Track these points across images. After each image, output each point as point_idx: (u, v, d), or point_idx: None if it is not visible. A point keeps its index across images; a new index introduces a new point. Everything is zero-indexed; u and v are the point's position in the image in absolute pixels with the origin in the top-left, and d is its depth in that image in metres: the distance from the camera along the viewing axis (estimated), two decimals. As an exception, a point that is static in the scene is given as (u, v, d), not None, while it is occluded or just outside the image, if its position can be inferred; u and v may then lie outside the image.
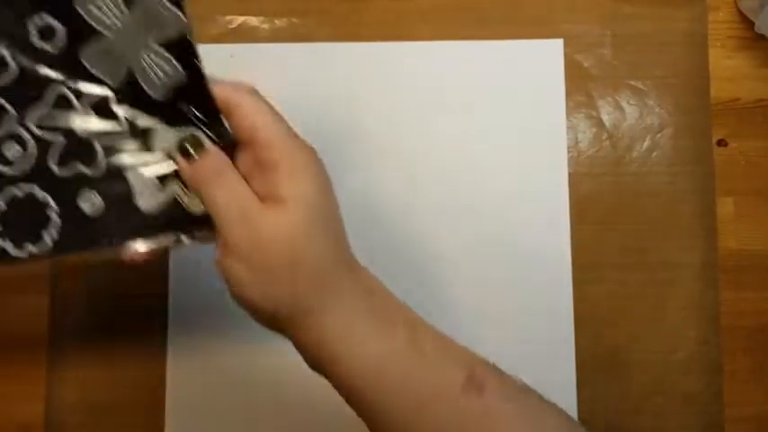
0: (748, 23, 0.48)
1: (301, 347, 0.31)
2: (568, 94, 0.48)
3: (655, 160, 0.48)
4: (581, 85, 0.48)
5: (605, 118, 0.48)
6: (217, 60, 0.44)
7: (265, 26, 0.49)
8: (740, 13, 0.48)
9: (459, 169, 0.47)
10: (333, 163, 0.33)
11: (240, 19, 0.49)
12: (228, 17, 0.49)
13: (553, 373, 0.46)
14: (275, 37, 0.49)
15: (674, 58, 0.48)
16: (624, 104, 0.48)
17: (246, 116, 0.31)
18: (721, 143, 0.48)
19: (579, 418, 0.46)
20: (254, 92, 0.32)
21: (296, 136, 0.31)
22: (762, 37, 0.48)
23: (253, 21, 0.49)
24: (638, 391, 0.46)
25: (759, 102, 0.48)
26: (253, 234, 0.29)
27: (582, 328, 0.46)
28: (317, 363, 0.31)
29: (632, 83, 0.48)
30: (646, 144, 0.48)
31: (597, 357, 0.46)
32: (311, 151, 0.31)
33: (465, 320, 0.46)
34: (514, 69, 0.48)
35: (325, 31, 0.49)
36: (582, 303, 0.46)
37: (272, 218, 0.29)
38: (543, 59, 0.48)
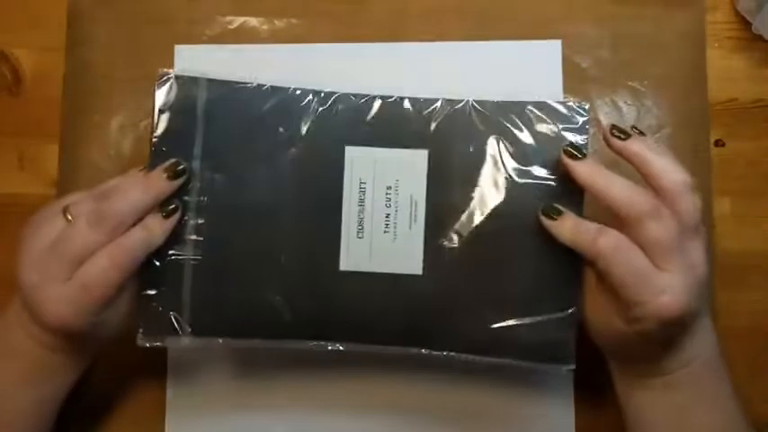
0: (746, 24, 0.48)
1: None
2: (566, 94, 0.48)
3: (652, 160, 0.48)
4: (579, 86, 0.48)
5: (603, 118, 0.48)
6: (217, 60, 0.45)
7: (265, 27, 0.50)
8: (738, 13, 0.49)
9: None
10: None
11: (240, 19, 0.50)
12: (228, 17, 0.50)
13: (551, 376, 0.46)
14: (275, 37, 0.49)
15: (671, 59, 0.48)
16: (622, 105, 0.48)
17: None
18: (719, 143, 0.48)
19: (579, 417, 0.46)
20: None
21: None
22: (759, 37, 0.48)
23: (252, 21, 0.50)
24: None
25: (757, 102, 0.48)
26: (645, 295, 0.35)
27: (580, 328, 0.46)
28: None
29: (630, 83, 0.48)
30: (644, 144, 0.48)
31: (595, 357, 0.46)
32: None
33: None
34: (513, 70, 0.49)
35: (325, 31, 0.49)
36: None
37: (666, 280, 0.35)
38: (542, 60, 0.49)
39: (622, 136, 0.37)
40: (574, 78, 0.48)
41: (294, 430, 0.47)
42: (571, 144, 0.38)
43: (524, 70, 0.49)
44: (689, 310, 0.35)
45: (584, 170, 0.37)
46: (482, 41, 0.49)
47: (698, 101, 0.48)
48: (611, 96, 0.48)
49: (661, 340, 0.37)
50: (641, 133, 0.38)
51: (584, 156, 0.37)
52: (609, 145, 0.38)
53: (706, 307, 0.38)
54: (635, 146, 0.37)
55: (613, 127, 0.37)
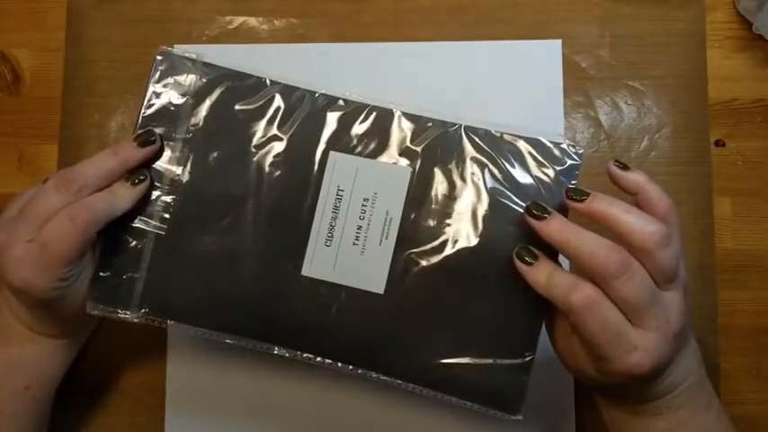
0: (746, 24, 0.48)
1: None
2: (566, 94, 0.48)
3: (652, 160, 0.48)
4: (579, 86, 0.48)
5: (603, 118, 0.48)
6: (216, 61, 0.44)
7: (265, 27, 0.50)
8: (738, 13, 0.49)
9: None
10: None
11: (240, 19, 0.50)
12: (228, 17, 0.50)
13: (551, 374, 0.46)
14: (274, 37, 0.49)
15: (671, 59, 0.48)
16: (622, 105, 0.48)
17: None
18: (719, 143, 0.48)
19: (579, 417, 0.46)
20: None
21: None
22: (760, 37, 0.48)
23: (252, 21, 0.50)
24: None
25: (757, 102, 0.48)
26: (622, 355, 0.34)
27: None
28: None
29: (630, 83, 0.48)
30: (643, 144, 0.48)
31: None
32: None
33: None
34: (513, 70, 0.49)
35: (325, 31, 0.49)
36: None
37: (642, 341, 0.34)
38: (542, 60, 0.49)
39: (580, 197, 0.35)
40: (574, 78, 0.48)
41: (293, 422, 0.47)
42: (534, 203, 0.36)
43: (524, 70, 0.49)
44: (660, 365, 0.34)
45: (552, 230, 0.35)
46: (482, 41, 0.49)
47: (698, 101, 0.48)
48: (611, 96, 0.48)
49: (635, 387, 0.36)
50: (624, 166, 0.36)
51: (549, 214, 0.35)
52: (569, 207, 0.36)
53: (690, 332, 0.37)
54: (598, 205, 0.34)
55: (570, 189, 0.36)
